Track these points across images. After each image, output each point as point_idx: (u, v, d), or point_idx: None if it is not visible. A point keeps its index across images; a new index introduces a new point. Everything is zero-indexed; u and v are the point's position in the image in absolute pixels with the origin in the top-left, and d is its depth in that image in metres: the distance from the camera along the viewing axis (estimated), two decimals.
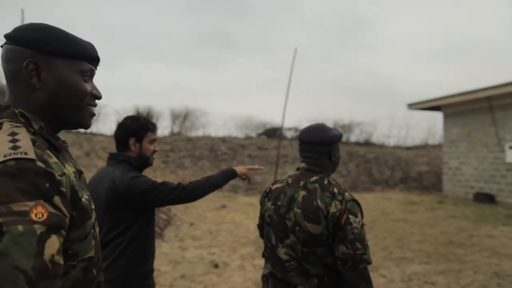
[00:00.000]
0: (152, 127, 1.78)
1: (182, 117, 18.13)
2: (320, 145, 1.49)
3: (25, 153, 0.68)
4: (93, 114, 0.88)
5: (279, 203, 1.50)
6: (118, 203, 1.65)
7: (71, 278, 0.76)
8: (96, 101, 0.88)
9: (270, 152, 16.83)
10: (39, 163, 0.68)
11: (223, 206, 9.98)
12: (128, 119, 1.78)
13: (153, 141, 1.79)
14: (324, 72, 37.31)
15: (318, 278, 1.39)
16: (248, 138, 18.97)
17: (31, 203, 0.64)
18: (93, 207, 0.84)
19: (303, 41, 42.18)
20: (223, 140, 17.03)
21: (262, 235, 1.63)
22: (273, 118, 25.27)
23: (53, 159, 0.74)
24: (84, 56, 0.84)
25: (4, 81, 0.90)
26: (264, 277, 1.56)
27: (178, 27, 41.90)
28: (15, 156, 0.67)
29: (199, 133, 18.63)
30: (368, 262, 1.33)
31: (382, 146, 19.79)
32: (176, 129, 18.02)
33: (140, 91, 29.71)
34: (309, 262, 1.39)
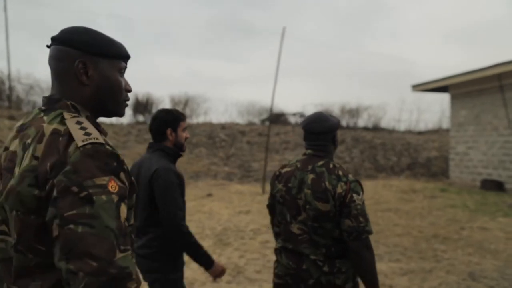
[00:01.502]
0: (183, 117, 1.98)
1: (182, 103, 17.75)
2: (325, 133, 1.68)
3: (96, 138, 0.82)
4: (127, 105, 1.02)
5: (290, 185, 1.69)
6: (149, 185, 1.85)
7: None
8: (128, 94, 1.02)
9: (271, 139, 16.23)
10: (107, 146, 0.83)
11: (209, 195, 9.57)
12: (162, 112, 1.97)
13: (184, 129, 1.99)
14: (340, 59, 36.00)
15: (326, 248, 1.62)
16: (250, 124, 18.45)
17: (107, 178, 0.79)
18: None
19: (321, 29, 40.71)
20: (223, 126, 16.56)
21: (272, 213, 1.85)
22: (277, 103, 24.63)
23: (111, 143, 0.87)
24: (121, 56, 0.97)
25: None
26: (277, 251, 1.77)
27: (196, 16, 41.23)
28: (90, 141, 0.81)
29: (200, 119, 18.25)
30: (370, 232, 1.57)
31: (391, 131, 18.85)
32: None
33: (158, 80, 29.61)
34: (318, 235, 1.62)
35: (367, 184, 11.51)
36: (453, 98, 11.78)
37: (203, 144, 15.00)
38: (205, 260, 1.84)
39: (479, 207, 7.68)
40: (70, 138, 0.80)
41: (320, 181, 1.61)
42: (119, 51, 0.96)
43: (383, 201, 8.74)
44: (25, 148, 0.83)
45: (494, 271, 3.93)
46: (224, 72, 32.36)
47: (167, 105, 17.41)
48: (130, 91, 1.00)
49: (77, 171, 0.76)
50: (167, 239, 1.84)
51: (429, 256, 4.48)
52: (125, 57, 0.98)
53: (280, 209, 1.73)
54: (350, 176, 1.61)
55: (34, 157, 0.80)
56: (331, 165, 1.64)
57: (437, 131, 19.42)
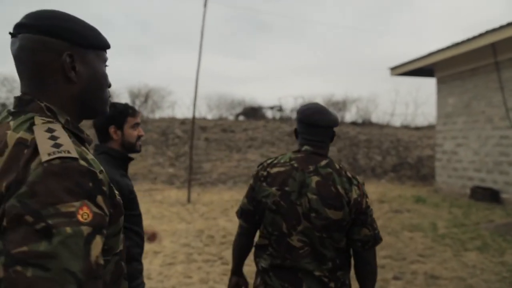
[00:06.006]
0: (132, 111, 1.73)
1: (142, 96, 15.84)
2: (331, 127, 1.49)
3: (68, 152, 0.66)
4: (109, 102, 0.89)
5: (287, 188, 1.45)
6: None
7: (108, 273, 0.76)
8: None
9: (236, 135, 14.11)
10: (82, 162, 0.67)
11: None
12: None
13: (135, 125, 1.72)
14: (352, 53, 33.28)
15: (332, 261, 1.43)
16: (221, 119, 16.39)
17: (77, 204, 0.63)
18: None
19: (336, 22, 37.83)
20: (183, 121, 14.52)
21: (248, 221, 1.55)
22: (253, 96, 22.46)
23: (89, 156, 0.72)
24: (106, 46, 0.84)
25: None
26: (264, 270, 1.47)
27: (208, 13, 39.65)
28: (59, 155, 0.65)
29: (165, 114, 16.30)
30: (382, 239, 1.47)
31: (383, 126, 16.38)
32: None
33: (172, 78, 28.57)
34: (325, 247, 1.42)
35: None
36: (440, 82, 9.36)
37: (153, 141, 12.99)
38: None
39: (450, 230, 5.35)
40: (35, 151, 0.65)
41: (329, 184, 1.40)
42: (104, 40, 0.82)
43: None
44: None
45: None
46: (234, 69, 30.52)
47: (126, 99, 15.53)
48: (110, 86, 0.86)
49: (35, 195, 0.60)
50: None
51: None
52: (108, 47, 0.85)
53: (272, 218, 1.45)
54: (359, 178, 1.46)
55: None
56: (337, 166, 1.44)
57: (435, 127, 16.82)
